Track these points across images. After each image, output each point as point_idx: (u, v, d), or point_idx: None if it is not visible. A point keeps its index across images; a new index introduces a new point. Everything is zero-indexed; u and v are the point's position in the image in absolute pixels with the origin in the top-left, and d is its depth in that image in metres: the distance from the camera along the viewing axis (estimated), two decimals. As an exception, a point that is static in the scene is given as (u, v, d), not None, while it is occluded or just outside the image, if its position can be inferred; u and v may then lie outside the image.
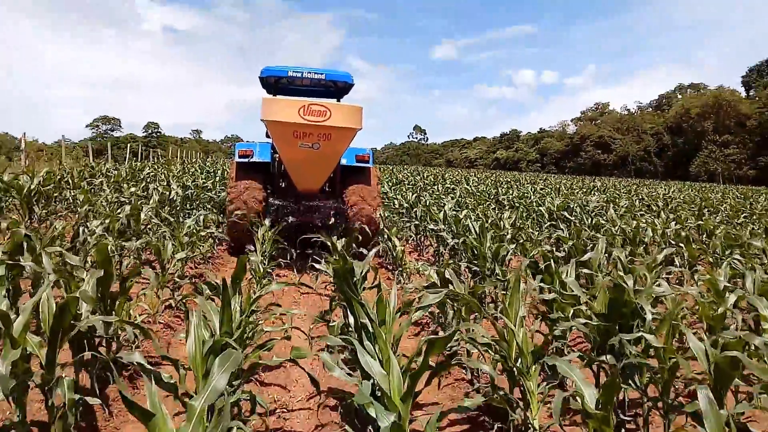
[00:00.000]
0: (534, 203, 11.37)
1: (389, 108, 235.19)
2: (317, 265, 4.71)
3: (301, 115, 6.36)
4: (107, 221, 5.65)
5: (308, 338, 3.89)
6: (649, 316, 2.83)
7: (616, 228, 7.38)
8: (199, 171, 18.26)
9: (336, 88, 7.93)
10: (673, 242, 6.78)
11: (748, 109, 62.17)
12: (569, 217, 9.12)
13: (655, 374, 2.95)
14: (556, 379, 2.99)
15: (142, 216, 6.55)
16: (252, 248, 6.32)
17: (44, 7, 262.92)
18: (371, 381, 2.43)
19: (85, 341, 2.95)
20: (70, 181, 10.41)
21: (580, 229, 7.11)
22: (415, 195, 11.83)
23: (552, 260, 4.25)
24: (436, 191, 15.78)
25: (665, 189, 27.54)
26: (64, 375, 2.61)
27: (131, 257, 5.60)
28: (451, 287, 4.25)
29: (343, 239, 6.23)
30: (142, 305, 4.47)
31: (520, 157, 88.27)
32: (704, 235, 8.58)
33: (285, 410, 3.30)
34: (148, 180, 12.65)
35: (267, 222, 6.89)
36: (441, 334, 4.42)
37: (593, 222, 8.35)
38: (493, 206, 12.01)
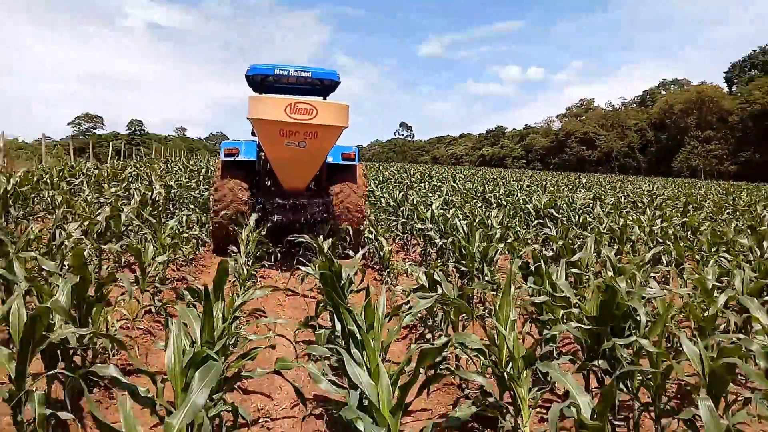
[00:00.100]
0: (521, 201, 11.35)
1: (376, 105, 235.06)
2: (303, 268, 4.60)
3: (288, 114, 6.32)
4: (86, 223, 5.48)
5: (293, 345, 3.79)
6: (643, 320, 2.77)
7: (604, 226, 7.37)
8: (182, 170, 18.02)
9: (322, 86, 7.92)
10: (660, 240, 6.77)
11: (731, 105, 62.94)
12: (556, 214, 9.10)
13: (647, 378, 2.90)
14: (548, 385, 2.93)
15: (123, 217, 6.38)
16: (235, 249, 6.20)
17: (25, 1, 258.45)
18: (359, 391, 2.34)
19: (59, 352, 2.83)
20: (49, 181, 10.16)
21: (568, 228, 7.08)
22: (402, 193, 11.74)
23: (542, 261, 4.19)
24: (423, 189, 15.71)
25: (649, 185, 27.77)
26: (35, 388, 2.49)
27: (111, 260, 5.45)
28: (440, 289, 4.18)
29: (330, 240, 6.14)
30: (122, 310, 4.33)
31: (506, 154, 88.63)
32: (689, 232, 8.61)
33: (269, 419, 3.19)
34: (130, 179, 12.42)
35: (252, 221, 6.78)
36: (429, 336, 4.36)
37: (580, 220, 8.33)
38: (480, 204, 11.97)
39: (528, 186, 20.00)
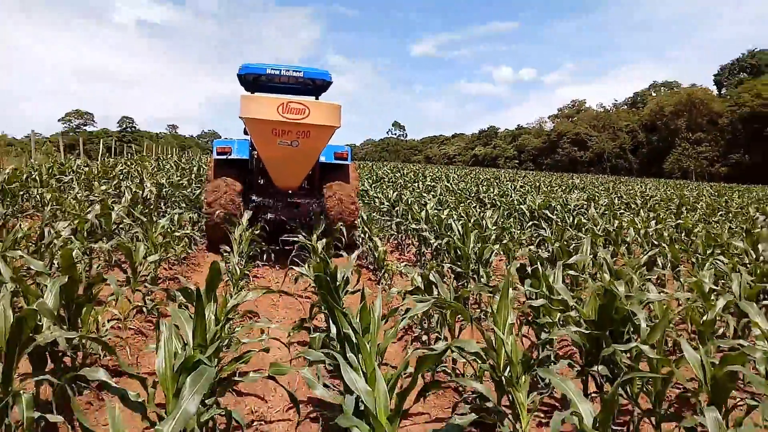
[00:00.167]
0: (515, 202, 11.33)
1: (368, 104, 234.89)
2: (297, 269, 4.53)
3: (280, 113, 6.36)
4: (75, 222, 5.38)
5: (287, 347, 3.72)
6: (643, 325, 2.74)
7: (599, 227, 7.35)
8: (174, 167, 17.86)
9: (314, 85, 7.95)
10: (655, 242, 6.75)
11: (720, 108, 63.34)
12: (550, 215, 9.08)
13: (647, 383, 2.87)
14: (547, 390, 2.89)
15: (114, 216, 6.29)
16: (228, 249, 6.12)
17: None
18: (355, 396, 2.29)
19: (47, 354, 2.75)
20: (38, 179, 10.02)
21: (563, 229, 7.06)
22: (396, 193, 11.69)
23: (539, 263, 4.16)
24: (417, 189, 15.67)
25: (642, 186, 27.89)
26: (22, 391, 2.42)
27: (101, 259, 5.36)
28: (435, 291, 4.13)
29: (324, 240, 6.07)
30: (113, 310, 4.25)
31: (498, 154, 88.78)
32: (683, 234, 8.62)
33: (263, 422, 3.13)
34: (121, 177, 12.28)
35: (245, 220, 6.73)
36: (425, 338, 4.31)
37: (575, 221, 8.32)
38: (474, 204, 11.94)
39: (521, 186, 20.01)
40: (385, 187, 15.28)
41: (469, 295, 4.92)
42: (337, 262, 6.26)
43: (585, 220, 8.42)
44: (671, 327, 3.42)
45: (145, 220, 6.29)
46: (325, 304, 2.93)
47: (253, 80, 7.64)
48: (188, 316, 2.84)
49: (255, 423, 3.09)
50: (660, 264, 6.03)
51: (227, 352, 3.37)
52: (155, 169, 16.72)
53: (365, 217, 7.90)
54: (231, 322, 3.69)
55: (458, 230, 6.06)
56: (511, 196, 13.24)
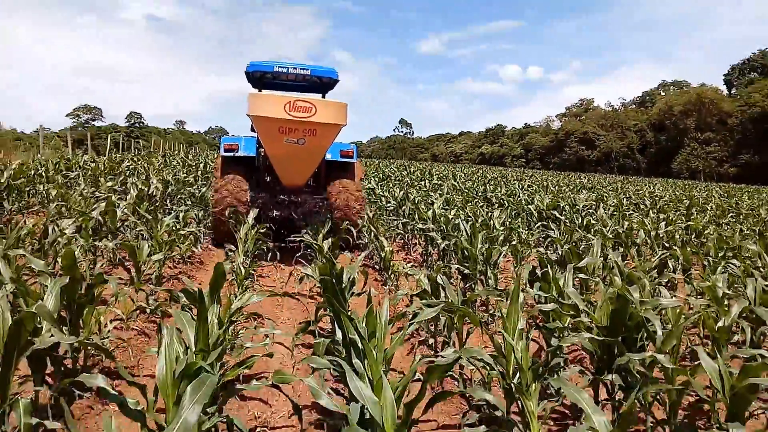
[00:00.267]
0: (523, 201, 11.22)
1: (375, 101, 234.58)
2: (302, 269, 4.47)
3: (287, 111, 6.42)
4: (80, 219, 5.34)
5: (291, 351, 3.66)
6: (659, 332, 2.65)
7: (608, 229, 7.24)
8: (180, 164, 17.85)
9: (321, 83, 8.01)
10: (666, 245, 6.64)
11: (730, 107, 62.79)
12: (559, 216, 8.97)
13: (661, 391, 2.79)
14: (557, 397, 2.82)
15: (119, 213, 6.24)
16: (233, 248, 6.07)
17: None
18: (360, 404, 2.22)
19: (47, 357, 2.70)
20: (45, 174, 10.00)
21: (572, 230, 6.96)
22: (402, 192, 11.61)
23: (549, 266, 4.07)
24: (424, 188, 15.58)
25: (650, 187, 27.67)
26: (20, 396, 2.36)
27: (105, 258, 5.31)
28: (443, 293, 4.06)
29: (330, 239, 6.01)
30: (116, 310, 4.20)
31: (505, 153, 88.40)
32: (693, 235, 8.50)
33: (266, 428, 3.07)
34: (127, 173, 12.26)
35: (251, 218, 6.71)
36: (432, 342, 4.23)
37: (584, 222, 8.21)
38: (481, 204, 11.85)
39: (529, 186, 19.87)
40: (391, 185, 15.20)
41: (476, 298, 4.84)
42: (342, 261, 6.22)
43: (594, 221, 8.31)
44: (683, 332, 3.32)
45: (150, 218, 6.24)
46: (331, 307, 2.87)
47: (261, 78, 7.72)
48: (191, 319, 2.78)
49: (258, 429, 3.03)
50: (671, 267, 5.92)
51: (231, 354, 3.32)
52: (162, 166, 16.72)
53: (371, 216, 7.83)
54: (235, 324, 3.64)
55: (466, 231, 5.98)
56: (518, 196, 13.13)
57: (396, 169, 28.05)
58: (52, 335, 2.52)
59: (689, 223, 8.68)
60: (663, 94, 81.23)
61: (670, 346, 2.83)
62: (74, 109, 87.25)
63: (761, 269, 5.21)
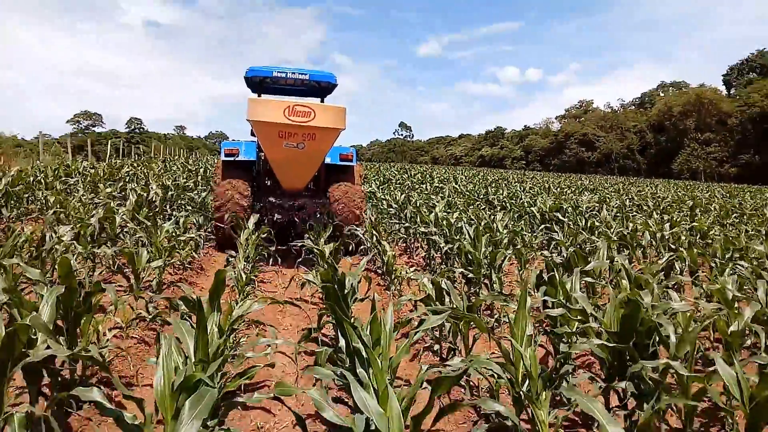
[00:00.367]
0: (525, 204, 11.15)
1: (374, 104, 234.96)
2: (304, 275, 4.39)
3: (286, 116, 6.48)
4: (78, 226, 5.26)
5: (294, 361, 3.58)
6: (673, 338, 2.57)
7: (612, 231, 7.17)
8: (180, 169, 17.79)
9: (320, 87, 8.08)
10: (672, 246, 6.56)
11: (729, 108, 62.75)
12: (562, 218, 8.90)
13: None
14: (569, 406, 2.74)
15: (118, 219, 6.17)
16: (234, 254, 6.00)
17: None
18: (365, 416, 2.14)
19: (43, 369, 2.62)
20: (44, 181, 9.94)
21: (576, 232, 6.88)
22: (404, 195, 11.54)
23: (555, 269, 4.00)
24: (425, 191, 15.51)
25: (652, 188, 27.59)
26: (15, 411, 2.29)
27: (104, 265, 5.23)
28: (447, 298, 3.98)
29: (331, 244, 5.94)
30: (115, 319, 4.12)
31: (505, 155, 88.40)
32: (698, 236, 8.42)
33: (269, 439, 2.99)
34: (127, 179, 12.20)
35: (251, 223, 6.68)
36: (437, 348, 4.15)
37: (588, 224, 8.13)
38: (483, 206, 11.77)
39: (531, 188, 19.80)
40: (392, 188, 15.13)
41: (481, 303, 4.76)
42: (343, 265, 6.14)
43: (597, 223, 8.23)
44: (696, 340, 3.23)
45: (149, 224, 6.17)
46: (334, 314, 2.79)
47: (260, 82, 7.77)
48: (190, 328, 2.71)
49: (261, 439, 2.95)
50: (677, 269, 5.83)
51: (232, 363, 3.24)
52: (162, 171, 16.65)
53: (373, 220, 7.77)
54: (236, 332, 3.56)
55: (469, 234, 5.90)
56: (520, 198, 13.05)
57: (397, 173, 28.00)
58: (48, 347, 2.45)
59: (694, 224, 8.59)
60: (662, 94, 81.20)
61: (683, 352, 2.75)
62: (74, 116, 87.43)
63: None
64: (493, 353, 4.06)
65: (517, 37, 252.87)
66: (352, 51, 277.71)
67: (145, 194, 8.78)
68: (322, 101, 8.38)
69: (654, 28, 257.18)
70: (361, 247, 7.78)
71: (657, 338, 2.91)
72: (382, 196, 11.97)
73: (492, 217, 7.88)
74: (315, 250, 5.99)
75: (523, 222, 8.87)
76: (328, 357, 2.90)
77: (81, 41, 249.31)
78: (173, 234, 6.14)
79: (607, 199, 14.52)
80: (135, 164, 19.09)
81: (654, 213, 10.97)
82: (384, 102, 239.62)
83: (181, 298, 3.18)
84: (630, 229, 7.27)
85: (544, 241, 7.90)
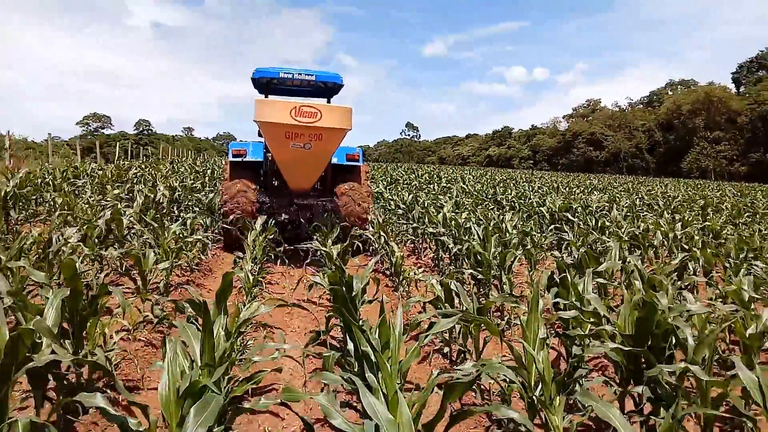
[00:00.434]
0: (534, 204, 11.05)
1: (381, 105, 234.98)
2: (311, 277, 4.34)
3: (293, 117, 6.54)
4: (84, 228, 5.24)
5: (302, 365, 3.53)
6: (691, 342, 2.49)
7: (624, 231, 7.07)
8: (188, 170, 17.81)
9: (326, 88, 8.16)
10: (685, 246, 6.46)
11: (739, 106, 62.16)
12: (571, 218, 8.80)
13: (693, 403, 2.63)
14: (584, 412, 2.66)
15: (125, 221, 6.16)
16: (241, 255, 5.97)
17: (34, 1, 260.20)
18: (374, 423, 2.09)
19: (48, 374, 2.59)
20: (51, 182, 9.96)
21: (586, 232, 6.79)
22: (411, 195, 11.48)
23: (566, 270, 3.92)
24: (433, 191, 15.44)
25: (662, 187, 27.36)
26: (18, 418, 2.25)
27: (111, 267, 5.20)
28: (456, 300, 3.92)
29: (339, 245, 5.89)
30: (122, 321, 4.09)
31: (513, 154, 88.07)
32: (710, 236, 8.30)
33: (277, 444, 2.94)
34: (135, 181, 12.21)
35: (258, 225, 6.68)
36: (447, 350, 4.09)
37: (598, 224, 8.04)
38: (492, 206, 11.69)
39: (539, 188, 19.67)
40: (400, 189, 15.07)
41: (492, 305, 4.69)
42: (351, 265, 6.09)
43: (608, 223, 8.13)
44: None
45: (156, 225, 6.14)
46: (342, 318, 2.73)
47: (267, 83, 7.82)
48: (196, 331, 2.67)
49: (268, 444, 2.91)
50: (691, 270, 5.73)
51: (239, 366, 3.19)
52: (169, 172, 16.68)
53: (381, 221, 7.72)
54: (243, 335, 3.51)
55: (478, 234, 5.83)
56: (529, 198, 12.95)
57: (404, 173, 27.93)
58: (53, 351, 2.41)
59: (706, 223, 8.47)
60: (671, 93, 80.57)
61: (701, 356, 2.67)
62: (84, 118, 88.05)
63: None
64: (504, 356, 3.99)
65: (523, 36, 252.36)
66: (358, 52, 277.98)
67: (152, 196, 8.77)
68: (329, 102, 8.44)
69: (661, 26, 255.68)
70: (369, 246, 7.77)
71: (673, 341, 2.84)
72: (390, 197, 11.91)
73: (501, 217, 7.80)
74: (322, 252, 5.95)
75: (532, 222, 8.79)
76: (336, 360, 2.84)
77: (88, 43, 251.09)
78: (180, 235, 6.11)
79: (617, 199, 14.39)
80: (143, 166, 19.14)
81: (665, 212, 10.85)
82: (391, 102, 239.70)
83: (187, 300, 3.14)
84: (641, 229, 7.17)
85: (554, 242, 7.81)
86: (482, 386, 3.43)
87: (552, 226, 8.25)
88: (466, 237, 6.17)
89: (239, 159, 7.84)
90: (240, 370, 2.92)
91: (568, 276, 3.66)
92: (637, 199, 14.93)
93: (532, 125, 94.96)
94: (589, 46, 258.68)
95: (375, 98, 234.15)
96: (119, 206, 7.01)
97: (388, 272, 6.76)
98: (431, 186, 17.92)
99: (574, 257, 5.56)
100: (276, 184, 8.30)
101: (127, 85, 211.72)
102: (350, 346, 2.76)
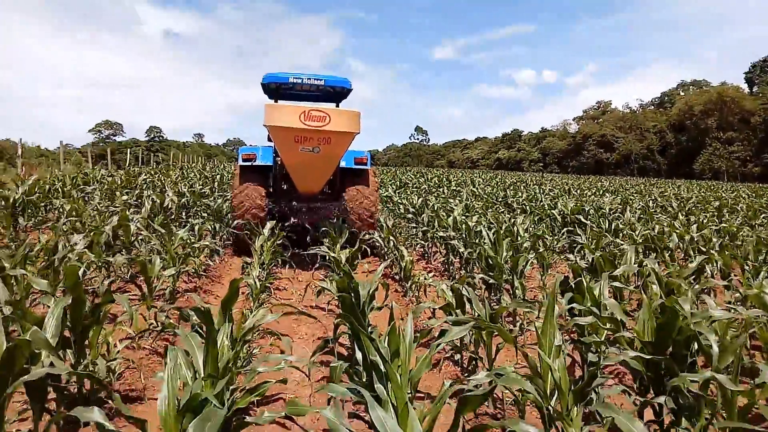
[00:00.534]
0: (545, 206, 10.90)
1: (390, 109, 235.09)
2: (319, 282, 4.25)
3: (302, 121, 6.59)
4: (91, 234, 5.20)
5: (308, 377, 3.44)
6: (715, 349, 2.37)
7: (638, 233, 6.92)
8: (197, 176, 17.83)
9: (335, 92, 8.21)
10: (702, 249, 6.29)
11: (752, 106, 61.51)
12: (584, 221, 8.66)
13: (716, 413, 2.51)
14: (602, 423, 2.55)
15: (132, 228, 6.11)
16: (250, 260, 5.91)
17: (45, 9, 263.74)
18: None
19: (47, 385, 2.51)
20: (61, 189, 9.97)
21: (600, 235, 6.65)
22: (421, 199, 11.37)
23: (581, 274, 3.81)
24: (442, 194, 15.32)
25: (675, 188, 27.04)
26: (15, 430, 2.18)
27: (117, 274, 5.15)
28: (468, 305, 3.81)
29: (347, 250, 5.80)
30: (127, 329, 4.02)
31: (523, 157, 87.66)
32: (726, 238, 8.11)
33: (284, 456, 2.85)
34: (144, 187, 12.22)
35: (267, 229, 6.64)
36: (458, 358, 3.98)
37: (611, 227, 7.89)
38: (502, 210, 11.56)
39: (550, 190, 19.48)
40: (409, 192, 14.97)
41: (504, 311, 4.58)
42: (359, 269, 6.00)
43: (621, 225, 7.98)
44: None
45: (163, 231, 6.10)
46: (350, 325, 2.64)
47: (276, 88, 7.87)
48: (199, 340, 2.58)
49: (275, 457, 2.82)
50: (708, 273, 5.58)
51: (244, 375, 3.10)
52: (178, 178, 16.71)
53: (390, 225, 7.64)
54: (249, 343, 3.43)
55: (489, 238, 5.72)
56: (540, 201, 12.80)
57: (413, 177, 27.84)
58: (51, 363, 2.34)
59: (722, 225, 8.29)
60: (682, 94, 79.87)
61: (725, 363, 2.55)
62: (96, 125, 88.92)
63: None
64: (518, 363, 3.88)
65: (532, 39, 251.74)
66: (367, 56, 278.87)
67: (160, 202, 8.74)
68: (338, 106, 8.46)
69: (672, 27, 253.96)
70: (377, 250, 7.71)
71: (695, 348, 2.72)
72: (399, 200, 11.82)
73: (512, 220, 7.67)
74: (330, 256, 5.87)
75: (543, 225, 8.65)
76: (344, 370, 2.74)
77: (101, 53, 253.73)
78: (188, 241, 6.06)
79: (630, 201, 14.19)
80: (152, 172, 19.20)
81: (679, 214, 10.65)
82: (399, 106, 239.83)
83: (192, 308, 3.06)
84: (656, 231, 7.02)
85: (566, 245, 7.67)
86: (495, 395, 3.32)
87: (564, 230, 8.11)
88: (477, 241, 6.05)
89: (249, 163, 7.89)
90: (245, 380, 2.83)
91: (584, 280, 3.54)
92: (650, 201, 14.71)
93: (542, 128, 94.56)
94: (599, 47, 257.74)
95: (384, 102, 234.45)
96: (127, 212, 6.97)
97: (397, 277, 6.66)
98: (441, 189, 17.80)
99: (588, 261, 5.43)
100: (285, 188, 8.34)
101: (139, 93, 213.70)
102: (358, 354, 2.67)
